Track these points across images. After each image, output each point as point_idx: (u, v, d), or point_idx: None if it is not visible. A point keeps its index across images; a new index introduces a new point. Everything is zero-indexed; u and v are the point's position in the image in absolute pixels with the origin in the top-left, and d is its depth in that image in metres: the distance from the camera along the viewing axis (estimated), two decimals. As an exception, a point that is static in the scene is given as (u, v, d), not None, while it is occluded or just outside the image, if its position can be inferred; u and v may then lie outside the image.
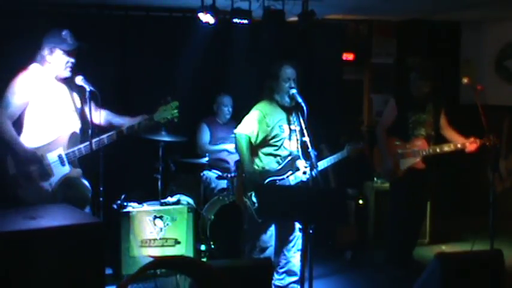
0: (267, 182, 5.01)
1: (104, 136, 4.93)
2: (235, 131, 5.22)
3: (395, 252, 6.21)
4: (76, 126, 4.95)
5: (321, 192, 4.44)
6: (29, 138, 4.76)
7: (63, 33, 4.81)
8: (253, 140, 5.09)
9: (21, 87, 4.72)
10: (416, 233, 6.37)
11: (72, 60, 4.86)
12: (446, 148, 5.96)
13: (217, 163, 6.77)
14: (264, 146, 5.12)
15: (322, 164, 5.21)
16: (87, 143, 4.74)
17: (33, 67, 4.82)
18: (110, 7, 6.71)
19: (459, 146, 5.90)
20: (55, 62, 4.82)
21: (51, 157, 4.81)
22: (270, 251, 5.14)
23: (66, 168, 4.85)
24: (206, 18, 6.12)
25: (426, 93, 6.02)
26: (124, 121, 5.11)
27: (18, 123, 4.77)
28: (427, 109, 6.07)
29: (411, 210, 6.11)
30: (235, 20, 6.19)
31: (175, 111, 5.19)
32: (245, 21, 6.20)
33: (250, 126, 5.08)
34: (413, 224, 6.24)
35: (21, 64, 4.84)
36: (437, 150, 5.97)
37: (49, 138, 4.82)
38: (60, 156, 4.82)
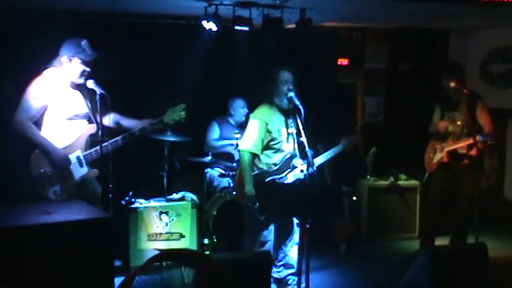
0: (267, 181, 5.03)
1: (119, 138, 4.95)
2: (239, 147, 5.23)
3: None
4: (90, 128, 4.95)
5: (318, 190, 4.46)
6: (48, 138, 4.75)
7: (83, 43, 4.82)
8: (258, 152, 5.08)
9: (39, 91, 4.71)
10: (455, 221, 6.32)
11: (88, 69, 4.85)
12: (458, 145, 6.08)
13: (222, 158, 6.77)
14: (264, 148, 5.11)
15: (320, 159, 5.21)
16: (104, 144, 4.75)
17: (50, 71, 4.80)
18: (119, 15, 6.72)
19: (468, 142, 5.94)
20: (72, 69, 4.82)
21: (71, 159, 4.83)
22: (269, 245, 5.14)
23: (84, 169, 4.87)
24: (209, 25, 6.15)
25: (455, 89, 6.04)
26: (131, 123, 5.11)
27: (37, 127, 4.76)
28: (460, 107, 6.12)
29: (442, 198, 6.31)
30: (236, 27, 6.22)
31: (183, 112, 5.20)
32: (246, 28, 6.23)
33: (253, 141, 5.04)
34: (454, 211, 6.29)
35: (37, 68, 4.83)
36: (453, 146, 6.11)
37: (67, 141, 4.82)
38: (78, 158, 4.84)
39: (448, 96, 6.19)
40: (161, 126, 5.21)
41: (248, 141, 5.08)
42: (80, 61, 4.81)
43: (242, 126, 6.62)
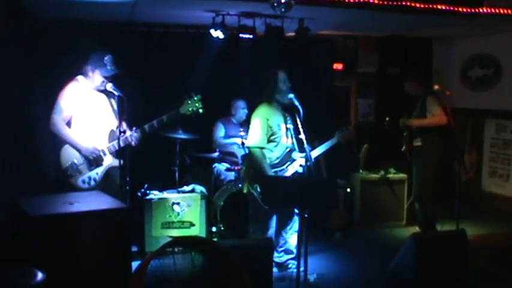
0: (270, 175, 5.00)
1: (138, 129, 5.05)
2: (247, 144, 5.22)
3: None
4: (113, 125, 5.08)
5: (315, 182, 4.44)
6: (77, 137, 4.91)
7: (106, 58, 4.94)
8: (264, 146, 5.07)
9: (69, 96, 4.90)
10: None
11: (106, 81, 4.96)
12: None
13: (228, 156, 6.76)
14: (267, 142, 5.11)
15: (317, 152, 5.19)
16: (123, 137, 4.86)
17: (78, 78, 5.00)
18: (136, 25, 6.75)
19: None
20: (94, 79, 4.98)
21: None
22: (271, 233, 5.14)
23: (109, 158, 5.00)
24: (217, 33, 6.14)
25: (413, 92, 6.43)
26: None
27: (67, 125, 4.91)
28: (417, 107, 6.35)
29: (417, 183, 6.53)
30: (241, 35, 6.21)
31: (199, 103, 5.24)
32: (250, 36, 6.23)
33: (258, 137, 5.05)
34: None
35: (68, 74, 5.01)
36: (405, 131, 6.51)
37: (93, 136, 4.96)
38: (102, 150, 4.98)
39: (416, 98, 6.43)
40: (178, 116, 5.21)
41: (254, 138, 5.08)
42: (100, 73, 4.96)
43: (243, 124, 6.64)
